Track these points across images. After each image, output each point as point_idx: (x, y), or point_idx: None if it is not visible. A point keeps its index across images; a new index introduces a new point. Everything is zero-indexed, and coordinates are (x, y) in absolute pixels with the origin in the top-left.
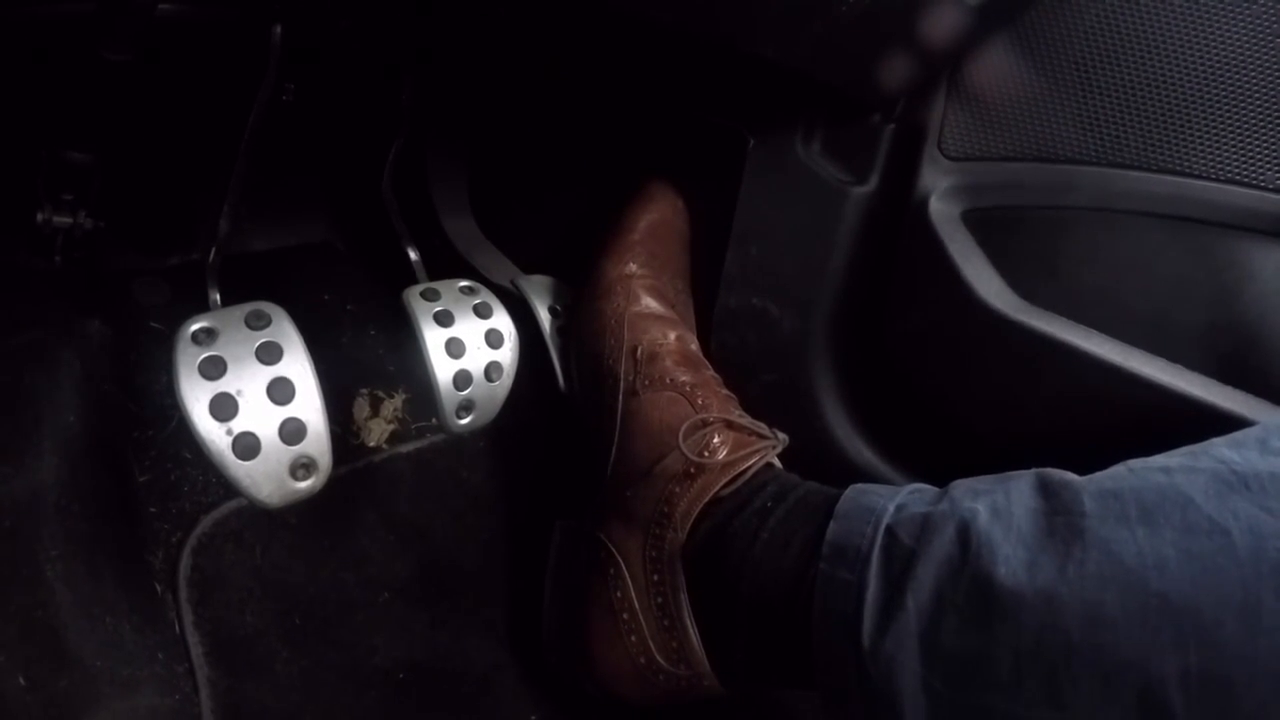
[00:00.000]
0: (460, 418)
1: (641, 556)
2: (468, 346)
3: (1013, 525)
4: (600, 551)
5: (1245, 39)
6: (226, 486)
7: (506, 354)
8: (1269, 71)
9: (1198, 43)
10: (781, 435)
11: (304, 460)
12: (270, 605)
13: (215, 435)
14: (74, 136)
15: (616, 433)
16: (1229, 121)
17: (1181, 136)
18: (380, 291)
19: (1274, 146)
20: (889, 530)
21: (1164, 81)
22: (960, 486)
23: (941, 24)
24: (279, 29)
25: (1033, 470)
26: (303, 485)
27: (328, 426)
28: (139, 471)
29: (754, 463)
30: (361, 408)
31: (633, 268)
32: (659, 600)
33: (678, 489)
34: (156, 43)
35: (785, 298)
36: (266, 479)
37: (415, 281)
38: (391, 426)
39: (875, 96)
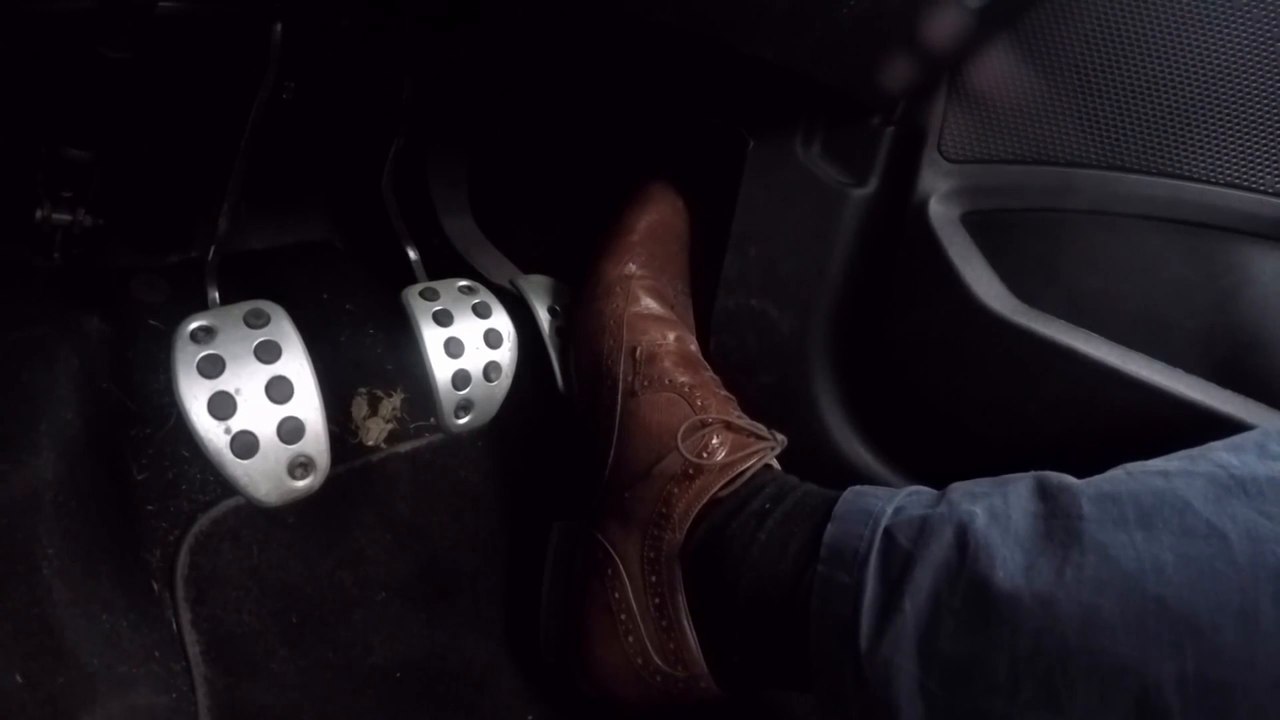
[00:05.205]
0: (459, 417)
1: (639, 557)
2: (466, 346)
3: (1010, 528)
4: (598, 552)
5: (1245, 42)
6: (224, 485)
7: (505, 354)
8: (1268, 75)
9: (1197, 46)
10: (780, 437)
11: (302, 459)
12: (267, 604)
13: (213, 434)
14: (73, 133)
15: (615, 433)
16: (1228, 125)
17: (1181, 140)
18: (379, 291)
19: (1273, 150)
20: (887, 533)
21: (1164, 85)
22: (958, 489)
23: (942, 26)
24: (279, 27)
25: (1031, 473)
26: (301, 484)
27: (326, 425)
28: (137, 469)
29: (752, 464)
30: (360, 407)
31: (632, 268)
32: (656, 601)
33: (676, 490)
34: (156, 40)
35: (784, 299)
36: (264, 478)
37: (414, 281)
38: (390, 426)
39: (875, 98)
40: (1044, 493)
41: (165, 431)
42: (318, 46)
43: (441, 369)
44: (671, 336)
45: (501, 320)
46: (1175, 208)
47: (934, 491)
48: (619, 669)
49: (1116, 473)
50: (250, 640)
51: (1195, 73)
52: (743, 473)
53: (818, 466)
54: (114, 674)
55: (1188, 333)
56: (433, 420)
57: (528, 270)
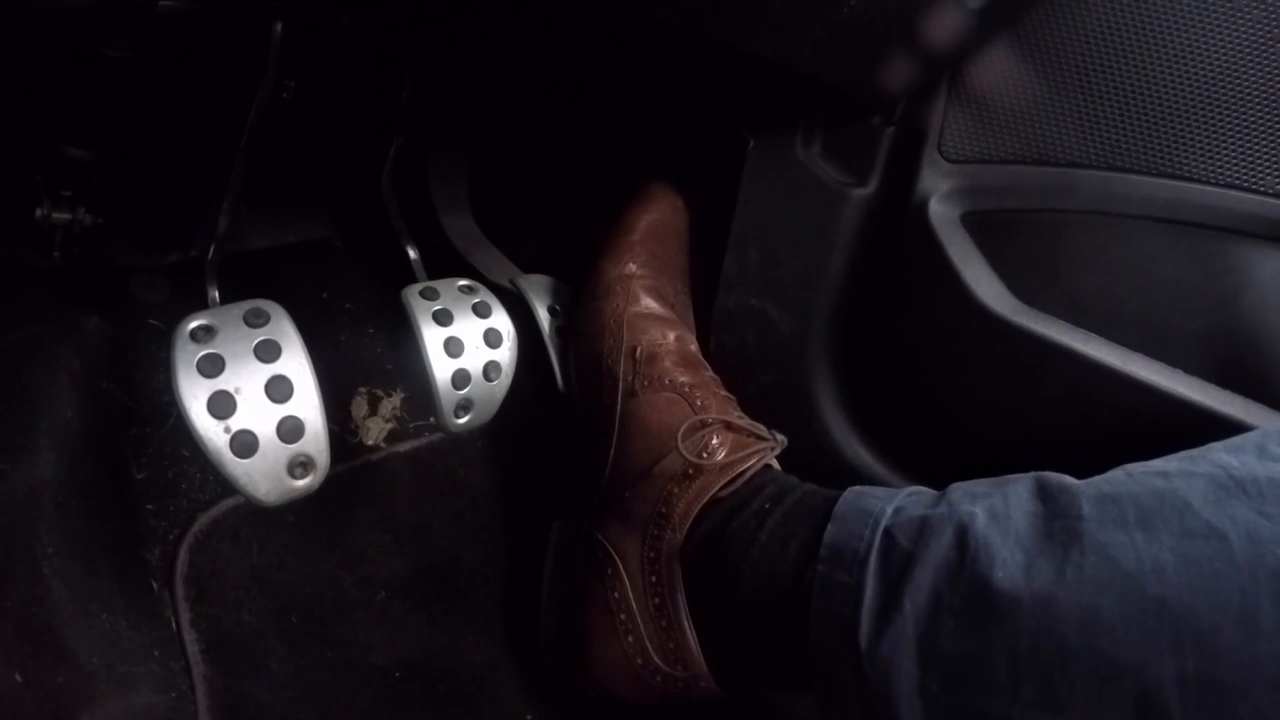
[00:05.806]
0: (458, 417)
1: (639, 557)
2: (466, 345)
3: (1010, 528)
4: (598, 552)
5: (1245, 43)
6: (224, 484)
7: (505, 353)
8: (1269, 76)
9: (1198, 47)
10: (780, 437)
11: (302, 458)
12: (267, 603)
13: (213, 433)
14: (74, 132)
15: (615, 433)
16: (1229, 126)
17: (1181, 141)
18: (379, 290)
19: (1273, 151)
20: (887, 533)
21: (1164, 85)
22: (958, 489)
23: (942, 26)
24: (279, 26)
25: (1031, 474)
26: (300, 483)
27: (326, 425)
28: (136, 469)
29: (752, 464)
30: (360, 406)
31: (632, 268)
32: (656, 601)
33: (676, 490)
34: (156, 40)
35: (784, 299)
36: (264, 477)
37: (414, 280)
38: (390, 425)
39: (876, 98)
40: (1044, 493)
41: (165, 431)
42: (318, 46)
43: (441, 368)
44: (672, 336)
45: (501, 320)
46: (1175, 208)
47: (934, 492)
48: (619, 668)
49: (1116, 473)
50: (250, 639)
51: (1196, 73)
52: (743, 473)
53: (818, 466)
54: (113, 673)
55: (1188, 333)
56: (433, 419)
57: (528, 270)
